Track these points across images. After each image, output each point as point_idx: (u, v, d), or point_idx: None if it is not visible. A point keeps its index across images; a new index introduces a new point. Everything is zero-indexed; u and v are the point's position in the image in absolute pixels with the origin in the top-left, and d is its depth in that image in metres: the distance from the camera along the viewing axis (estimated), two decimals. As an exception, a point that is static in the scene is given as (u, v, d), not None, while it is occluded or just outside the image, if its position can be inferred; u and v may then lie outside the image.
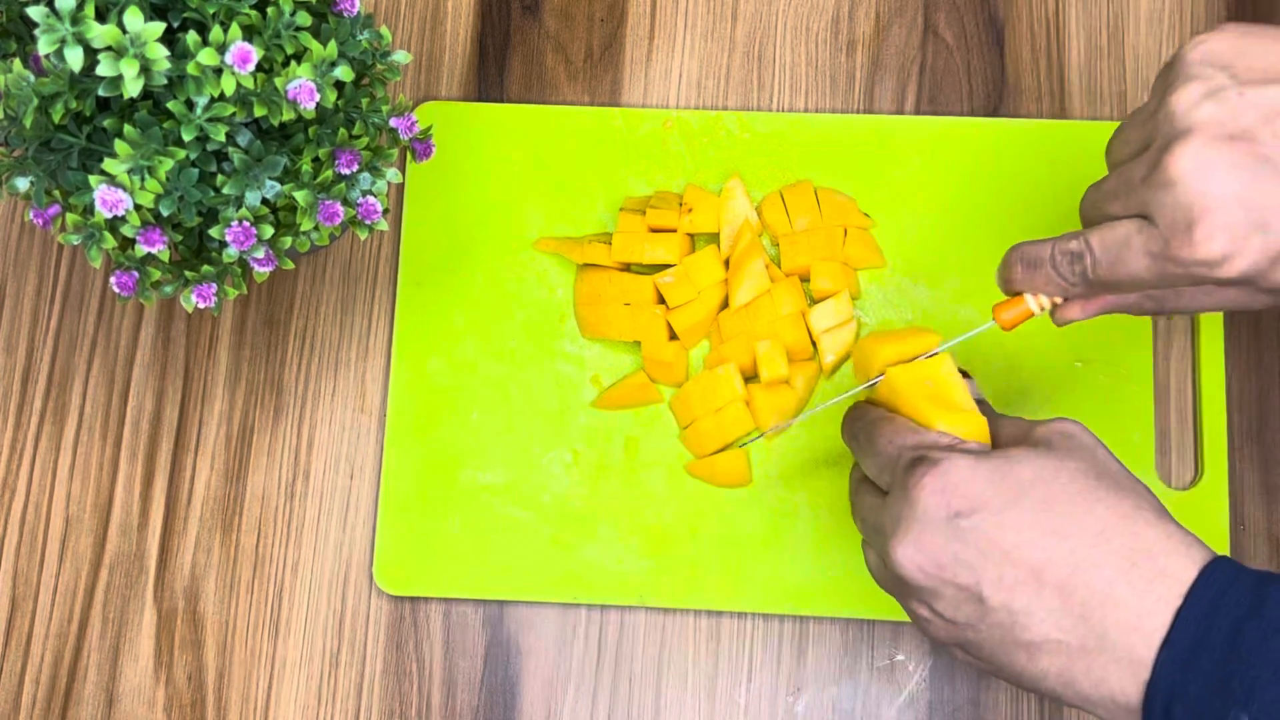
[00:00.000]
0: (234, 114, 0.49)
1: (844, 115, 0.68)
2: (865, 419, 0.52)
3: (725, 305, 0.65)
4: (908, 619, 0.62)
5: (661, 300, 0.65)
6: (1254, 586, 0.41)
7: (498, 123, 0.69)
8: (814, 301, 0.65)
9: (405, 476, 0.65)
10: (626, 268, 0.66)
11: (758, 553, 0.63)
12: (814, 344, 0.64)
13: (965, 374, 0.56)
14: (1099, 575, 0.43)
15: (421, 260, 0.67)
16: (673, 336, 0.65)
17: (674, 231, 0.65)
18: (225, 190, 0.50)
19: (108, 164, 0.48)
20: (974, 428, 0.50)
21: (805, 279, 0.65)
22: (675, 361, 0.64)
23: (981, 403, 0.55)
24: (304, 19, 0.50)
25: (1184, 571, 0.42)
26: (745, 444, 0.64)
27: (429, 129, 0.58)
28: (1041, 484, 0.45)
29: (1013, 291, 0.53)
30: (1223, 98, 0.43)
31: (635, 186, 0.68)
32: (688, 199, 0.66)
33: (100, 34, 0.45)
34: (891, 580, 0.48)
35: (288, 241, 0.54)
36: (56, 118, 0.48)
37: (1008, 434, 0.50)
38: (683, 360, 0.65)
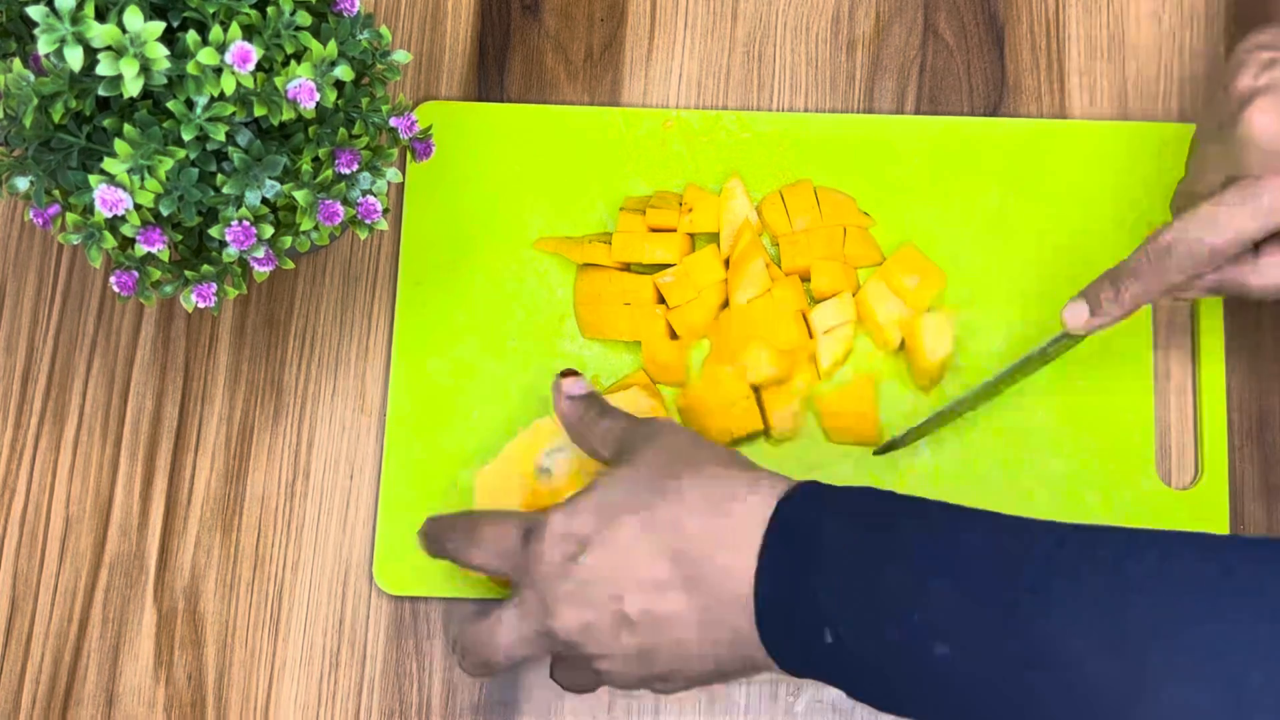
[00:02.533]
0: (234, 113, 0.49)
1: (844, 115, 0.68)
2: (456, 523, 0.57)
3: (725, 305, 0.65)
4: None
5: (661, 300, 0.65)
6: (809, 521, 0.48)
7: (498, 123, 0.69)
8: (815, 301, 0.65)
9: (405, 476, 0.65)
10: (626, 268, 0.66)
11: (758, 553, 0.63)
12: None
13: (574, 372, 0.59)
14: (701, 545, 0.48)
15: (421, 260, 0.67)
16: (673, 336, 0.65)
17: (674, 231, 0.65)
18: (225, 190, 0.51)
19: (108, 164, 0.48)
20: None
21: (805, 279, 0.65)
22: (675, 361, 0.64)
23: (590, 396, 0.58)
24: (304, 18, 0.50)
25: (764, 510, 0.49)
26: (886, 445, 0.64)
27: (429, 129, 0.58)
28: (629, 508, 0.50)
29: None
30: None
31: (635, 186, 0.68)
32: (688, 199, 0.66)
33: (100, 34, 0.45)
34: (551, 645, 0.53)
35: (288, 241, 0.54)
36: (56, 117, 0.48)
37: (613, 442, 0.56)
38: (683, 360, 0.65)
